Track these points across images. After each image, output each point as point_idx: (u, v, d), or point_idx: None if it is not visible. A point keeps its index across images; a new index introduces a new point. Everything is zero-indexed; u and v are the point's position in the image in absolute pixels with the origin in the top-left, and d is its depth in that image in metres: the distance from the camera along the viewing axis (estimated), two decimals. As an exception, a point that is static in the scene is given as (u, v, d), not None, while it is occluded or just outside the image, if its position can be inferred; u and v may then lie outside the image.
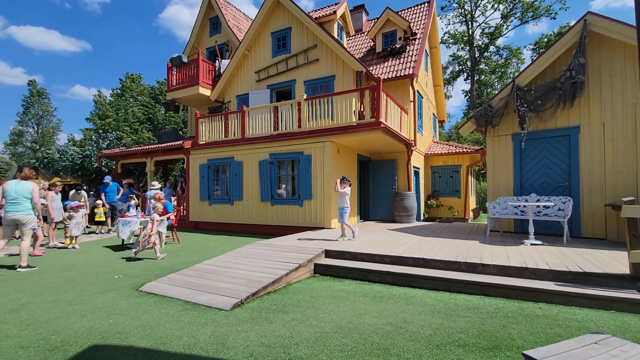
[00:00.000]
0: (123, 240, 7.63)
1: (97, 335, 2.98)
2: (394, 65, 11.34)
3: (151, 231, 6.25)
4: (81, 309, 3.63)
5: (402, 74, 10.72)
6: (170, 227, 8.21)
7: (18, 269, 5.39)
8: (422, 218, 12.00)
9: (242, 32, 14.19)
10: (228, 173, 10.35)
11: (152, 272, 5.22)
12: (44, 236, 8.84)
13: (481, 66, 34.75)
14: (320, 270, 5.15)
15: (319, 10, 14.37)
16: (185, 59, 13.32)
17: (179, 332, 3.02)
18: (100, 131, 21.89)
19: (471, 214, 13.78)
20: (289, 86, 11.53)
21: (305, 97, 8.96)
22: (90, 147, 15.88)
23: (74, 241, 7.23)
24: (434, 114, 15.82)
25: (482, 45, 33.93)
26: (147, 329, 3.10)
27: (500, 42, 35.80)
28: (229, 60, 13.03)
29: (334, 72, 10.65)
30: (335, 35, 12.56)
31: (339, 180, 6.55)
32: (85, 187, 15.21)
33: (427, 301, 3.86)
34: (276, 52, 11.79)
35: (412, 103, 10.99)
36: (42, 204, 7.42)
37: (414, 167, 11.39)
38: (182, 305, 3.74)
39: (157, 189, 9.14)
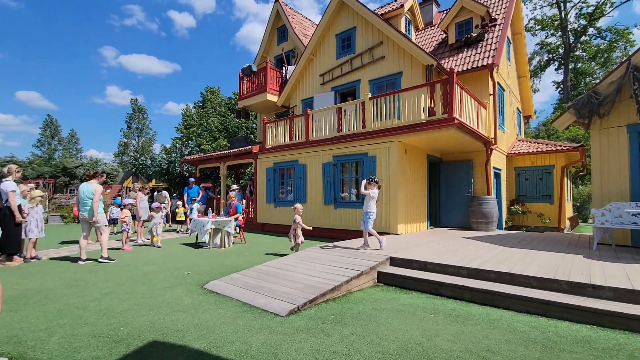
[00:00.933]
0: (197, 238, 8.14)
1: (158, 330, 3.03)
2: (470, 56, 10.27)
3: (296, 230, 6.33)
4: (150, 303, 3.80)
5: (479, 65, 9.63)
6: (238, 228, 8.52)
7: (100, 260, 5.98)
8: (504, 226, 10.58)
9: (308, 38, 14.39)
10: (292, 176, 10.44)
11: (218, 270, 5.37)
12: (134, 232, 9.95)
13: (577, 52, 30.08)
14: (385, 279, 4.70)
15: (385, 6, 13.87)
16: (254, 68, 13.99)
17: (233, 336, 2.91)
18: (184, 139, 24.34)
19: (567, 222, 11.74)
20: (353, 87, 11.26)
21: (369, 95, 8.58)
22: (175, 154, 17.68)
23: (155, 239, 7.91)
24: (518, 108, 14.00)
25: (579, 29, 29.35)
26: (204, 329, 3.06)
27: (601, 23, 30.61)
28: (295, 66, 13.29)
29: (400, 69, 10.05)
30: (403, 30, 11.92)
31: (365, 181, 5.92)
32: (170, 189, 16.95)
33: (517, 326, 3.17)
34: (340, 53, 11.64)
35: (491, 96, 9.80)
36: (131, 204, 8.29)
37: (493, 168, 10.12)
38: (239, 307, 3.67)
39: (234, 189, 9.79)
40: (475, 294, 3.87)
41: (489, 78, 9.70)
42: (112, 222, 10.48)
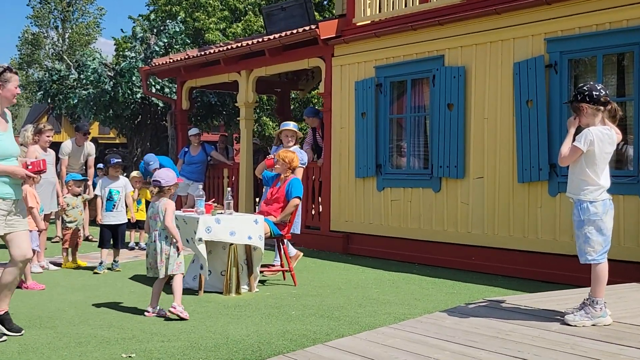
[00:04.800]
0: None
1: None
2: None
3: None
4: None
5: None
6: (277, 243, 7.18)
7: None
8: None
9: None
10: (427, 104, 8.20)
11: (202, 353, 3.74)
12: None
13: None
14: None
15: None
16: None
17: None
18: (158, 19, 19.99)
19: None
20: None
21: None
22: (134, 54, 14.82)
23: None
24: None
25: None
26: None
27: None
28: None
29: None
30: None
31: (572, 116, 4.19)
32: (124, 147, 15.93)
33: None
34: None
35: None
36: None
37: None
38: None
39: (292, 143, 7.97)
40: None
41: None
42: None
